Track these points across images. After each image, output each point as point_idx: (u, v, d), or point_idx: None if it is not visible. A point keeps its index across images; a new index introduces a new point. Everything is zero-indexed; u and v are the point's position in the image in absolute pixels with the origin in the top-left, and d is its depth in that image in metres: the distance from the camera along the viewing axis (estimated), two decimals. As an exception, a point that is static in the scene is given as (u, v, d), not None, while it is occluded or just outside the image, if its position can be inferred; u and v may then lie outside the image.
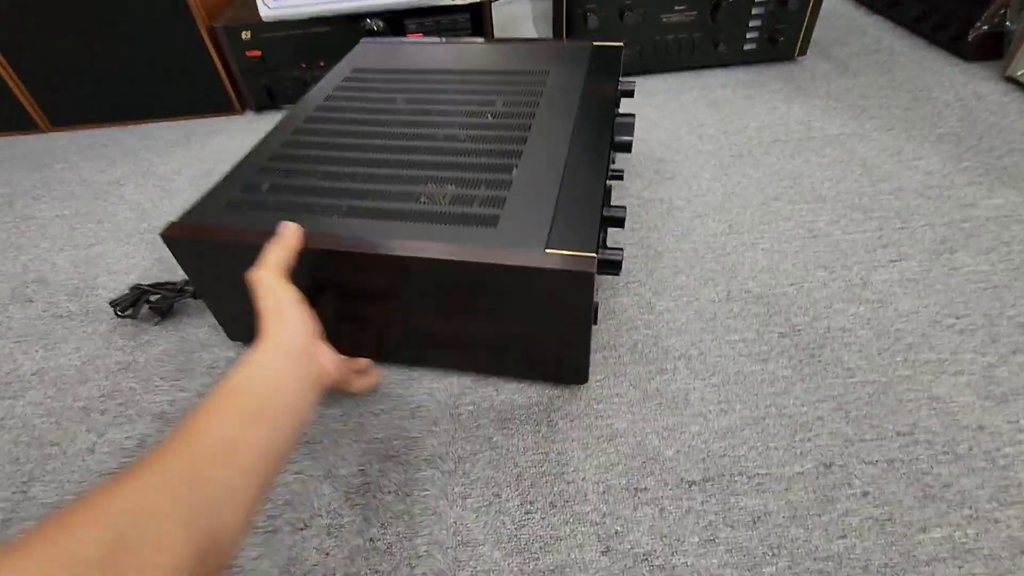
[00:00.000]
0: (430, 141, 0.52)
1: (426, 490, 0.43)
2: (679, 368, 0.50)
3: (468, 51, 0.70)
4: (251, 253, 0.41)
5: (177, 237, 0.44)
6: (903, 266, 0.57)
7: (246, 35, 0.86)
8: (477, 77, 0.63)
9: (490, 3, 0.86)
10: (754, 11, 0.87)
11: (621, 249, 0.43)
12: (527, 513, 0.41)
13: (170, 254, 0.46)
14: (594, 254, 0.39)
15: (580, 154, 0.49)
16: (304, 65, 0.90)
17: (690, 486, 0.42)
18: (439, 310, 0.45)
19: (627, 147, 0.57)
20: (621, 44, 0.67)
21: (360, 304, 0.46)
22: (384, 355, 0.52)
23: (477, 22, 0.87)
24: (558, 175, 0.47)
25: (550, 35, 0.94)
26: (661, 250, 0.62)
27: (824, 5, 0.89)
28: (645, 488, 0.42)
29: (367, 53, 0.71)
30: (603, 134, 0.52)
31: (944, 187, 0.66)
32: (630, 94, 0.63)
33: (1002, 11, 0.82)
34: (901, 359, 0.49)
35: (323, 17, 0.86)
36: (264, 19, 0.85)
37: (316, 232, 0.42)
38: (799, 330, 0.52)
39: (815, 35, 0.93)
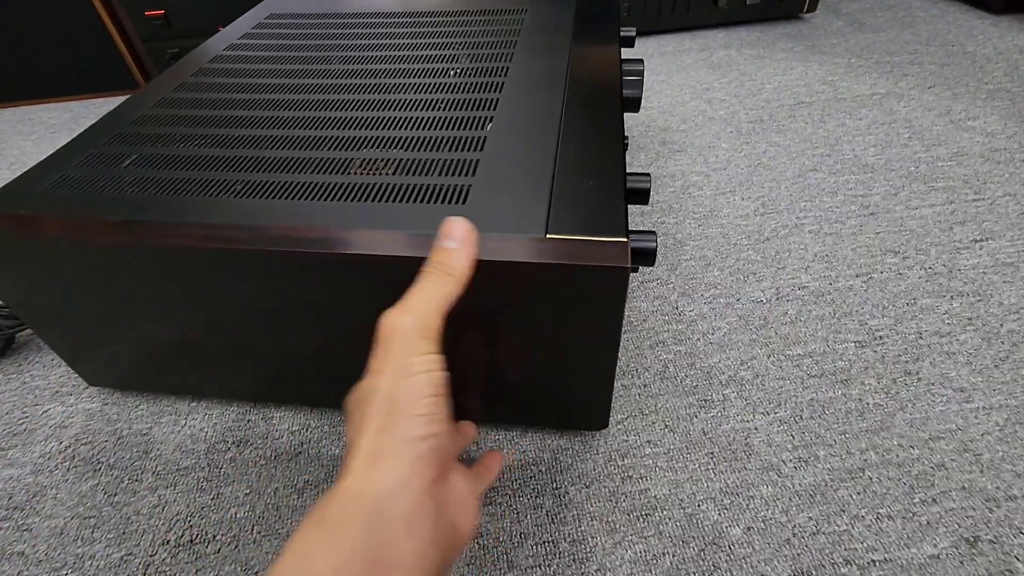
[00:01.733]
0: (370, 94, 0.37)
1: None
2: (730, 399, 0.36)
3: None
4: (94, 255, 0.25)
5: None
6: (992, 247, 0.45)
7: (146, -12, 0.68)
8: (432, 19, 0.48)
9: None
10: (759, -44, 0.75)
11: (653, 232, 0.28)
12: (532, 650, 0.26)
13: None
14: (624, 238, 0.24)
15: (580, 106, 0.34)
16: (221, 27, 0.73)
17: (777, 588, 0.28)
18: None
19: (635, 105, 0.43)
20: (616, -21, 0.53)
21: (261, 325, 0.30)
22: (307, 395, 0.36)
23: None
24: (553, 131, 0.32)
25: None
26: (682, 238, 0.48)
27: (833, -47, 0.77)
28: (710, 595, 0.28)
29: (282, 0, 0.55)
30: (611, 77, 0.37)
31: (1013, 150, 0.54)
32: (630, 43, 0.48)
33: (1040, -48, 0.71)
34: (1028, 372, 0.36)
35: (240, -35, 0.69)
36: (164, -32, 0.68)
37: (191, 222, 0.27)
38: (881, 337, 0.39)
39: (823, -10, 0.81)
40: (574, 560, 0.29)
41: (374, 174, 0.29)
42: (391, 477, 0.18)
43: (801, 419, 0.34)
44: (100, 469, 0.35)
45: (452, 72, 0.39)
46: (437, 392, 0.19)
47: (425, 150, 0.31)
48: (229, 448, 0.35)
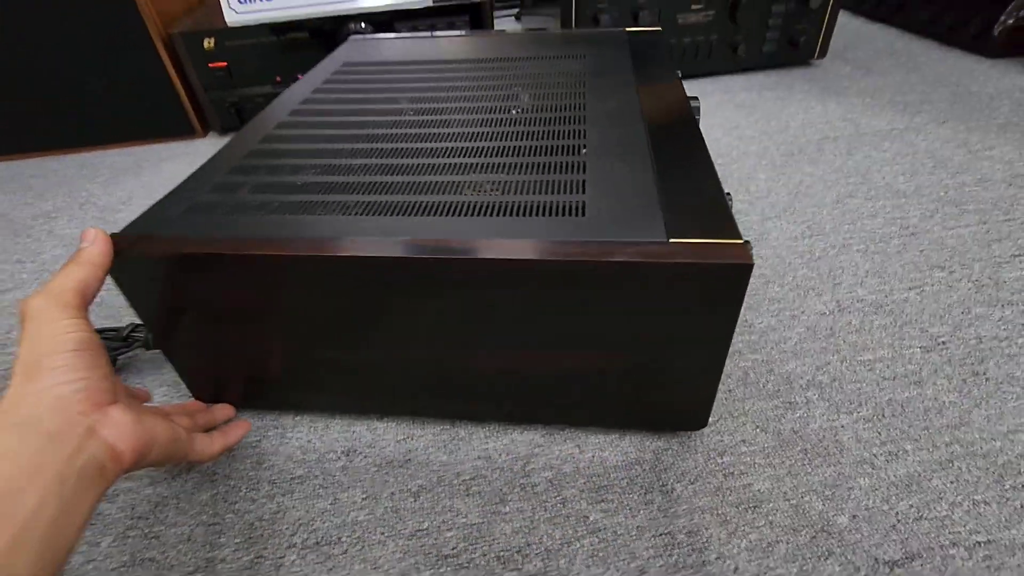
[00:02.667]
0: (458, 128, 0.41)
1: (508, 608, 0.29)
2: (812, 400, 0.38)
3: (482, 42, 0.60)
4: (227, 269, 0.28)
5: (119, 253, 0.30)
6: (1031, 260, 0.48)
7: (209, 43, 0.74)
8: (501, 64, 0.52)
9: (491, 3, 0.77)
10: (774, 9, 0.82)
11: (748, 241, 0.31)
12: (668, 634, 0.27)
13: (113, 294, 0.32)
14: (742, 240, 0.27)
15: (663, 132, 0.38)
16: (279, 79, 0.78)
17: (892, 569, 0.29)
18: (506, 338, 0.31)
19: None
20: (659, 28, 0.58)
21: (385, 336, 0.33)
22: (411, 406, 0.38)
23: (477, 26, 0.78)
24: (644, 154, 0.35)
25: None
26: (738, 258, 0.51)
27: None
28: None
29: (358, 49, 0.60)
30: (684, 108, 0.41)
31: (1032, 175, 0.59)
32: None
33: (1028, 3, 0.78)
34: (1088, 370, 0.38)
35: (300, 22, 0.75)
36: (230, 25, 0.74)
37: (315, 238, 0.29)
38: (944, 343, 0.41)
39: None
40: (692, 550, 0.31)
41: (485, 194, 0.33)
42: (43, 406, 0.24)
43: (883, 417, 0.37)
44: (216, 480, 0.36)
45: (532, 109, 0.43)
46: (78, 348, 0.25)
47: (530, 173, 0.34)
48: (339, 457, 0.37)
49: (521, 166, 0.35)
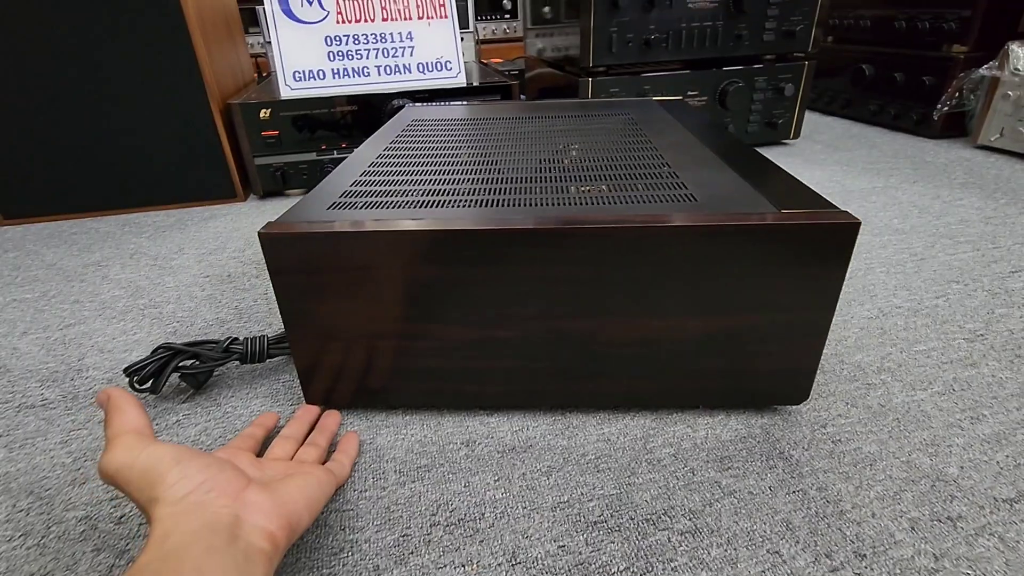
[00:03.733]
0: (544, 159, 0.46)
1: (672, 560, 0.29)
2: (888, 382, 0.42)
3: (531, 106, 0.68)
4: (383, 247, 0.31)
5: (280, 235, 0.33)
6: (1027, 275, 0.55)
7: (265, 114, 0.80)
8: (558, 118, 0.60)
9: (519, 86, 0.87)
10: (755, 97, 0.96)
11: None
12: (832, 571, 0.28)
13: (185, 326, 0.34)
14: (841, 210, 0.33)
15: (731, 153, 0.45)
16: (325, 147, 0.84)
17: (1012, 504, 0.32)
18: (630, 309, 0.35)
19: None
20: (680, 98, 0.68)
21: (509, 319, 0.35)
22: (525, 395, 0.39)
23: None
24: (723, 167, 0.41)
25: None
26: (780, 280, 0.57)
27: (805, 97, 1.00)
28: (961, 516, 0.31)
29: (418, 113, 0.67)
30: (733, 138, 0.49)
31: (1001, 217, 0.69)
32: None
33: (958, 94, 0.95)
34: (1109, 349, 0.44)
35: (348, 97, 0.82)
36: (284, 98, 0.81)
37: (450, 218, 0.33)
38: (982, 336, 0.47)
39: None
40: (827, 502, 0.32)
41: (595, 194, 0.37)
42: (206, 518, 0.24)
43: (954, 391, 0.40)
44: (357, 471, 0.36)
45: (597, 148, 0.50)
46: (179, 459, 0.25)
47: (629, 180, 0.40)
48: (460, 448, 0.37)
49: (618, 177, 0.40)
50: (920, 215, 0.70)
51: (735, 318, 0.35)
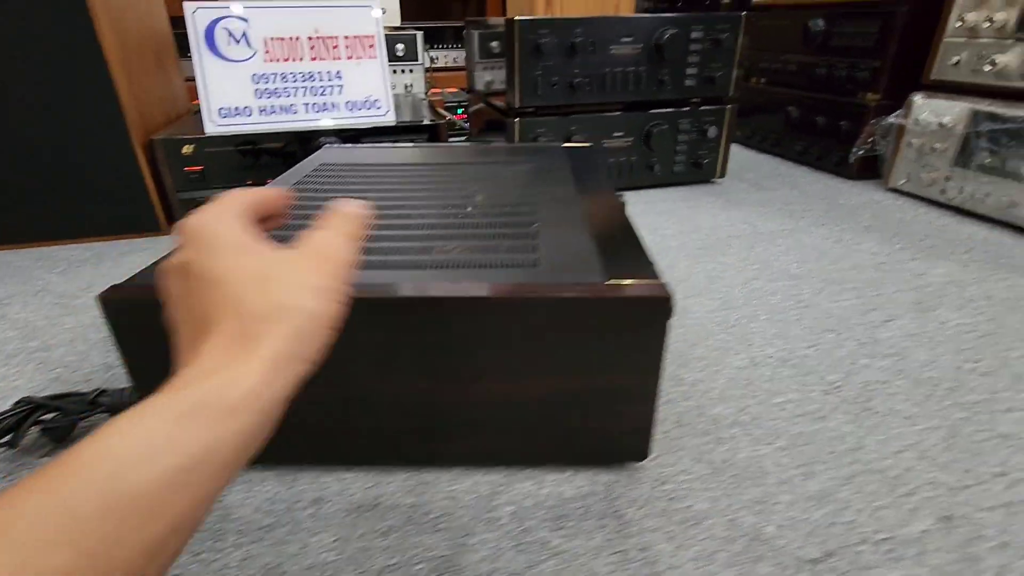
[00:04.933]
0: (426, 210, 0.48)
1: (479, 626, 0.30)
2: (738, 436, 0.43)
3: (439, 150, 0.70)
4: None
5: (121, 300, 0.33)
6: (899, 324, 0.58)
7: (188, 149, 0.80)
8: (460, 166, 0.62)
9: (445, 125, 0.89)
10: (680, 138, 0.99)
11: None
12: (629, 636, 0.30)
13: (70, 371, 0.34)
14: (662, 281, 0.34)
15: (597, 211, 0.47)
16: (251, 182, 0.85)
17: (815, 565, 0.33)
18: (468, 373, 0.36)
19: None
20: (590, 144, 0.71)
21: (361, 378, 0.36)
22: (376, 455, 0.40)
23: (435, 142, 0.90)
24: (583, 228, 0.43)
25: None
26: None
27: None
28: (764, 577, 0.33)
29: (332, 153, 0.69)
30: (612, 195, 0.51)
31: (893, 263, 0.72)
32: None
33: (871, 139, 0.99)
34: (950, 403, 0.46)
35: (274, 134, 0.84)
36: (208, 134, 0.81)
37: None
38: (839, 387, 0.49)
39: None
40: (645, 563, 0.33)
41: (453, 254, 0.39)
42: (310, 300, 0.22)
43: (796, 446, 0.42)
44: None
45: (489, 201, 0.51)
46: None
47: (491, 240, 0.41)
48: (308, 506, 0.38)
49: (485, 236, 0.42)
50: (818, 259, 0.73)
51: (572, 380, 0.36)
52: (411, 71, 1.41)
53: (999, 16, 0.78)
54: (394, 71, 1.39)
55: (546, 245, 0.40)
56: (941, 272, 0.69)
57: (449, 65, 2.03)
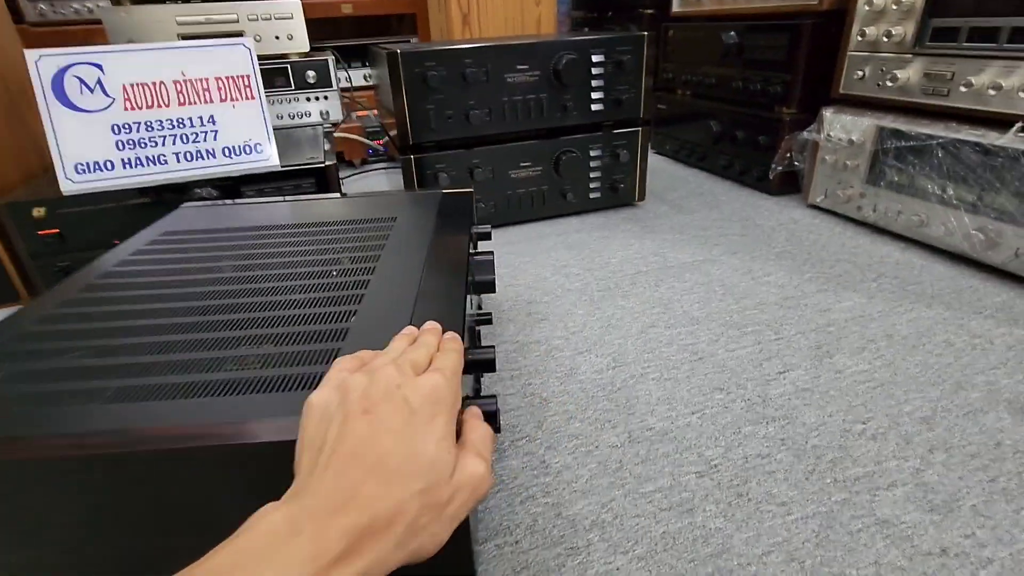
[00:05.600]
0: (252, 297, 0.42)
1: None
2: (593, 543, 0.39)
3: (306, 207, 0.64)
4: None
5: None
6: (793, 376, 0.54)
7: (39, 213, 0.73)
8: (315, 230, 0.56)
9: (336, 167, 0.83)
10: (592, 164, 0.95)
11: (492, 347, 0.34)
12: None
13: None
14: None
15: (431, 297, 0.42)
16: (117, 241, 0.77)
17: None
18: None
19: (490, 287, 0.52)
20: (470, 191, 0.66)
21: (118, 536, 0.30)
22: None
23: (323, 187, 0.84)
24: (405, 321, 0.38)
25: (404, 196, 0.92)
26: (547, 396, 0.54)
27: (649, 162, 1.00)
28: None
29: (185, 216, 0.62)
30: (457, 273, 0.46)
31: (798, 297, 0.68)
32: (487, 236, 0.59)
33: (788, 154, 0.97)
34: (831, 480, 0.42)
35: (143, 188, 0.77)
36: (65, 193, 0.74)
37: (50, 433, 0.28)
38: (716, 465, 0.44)
39: (649, 185, 1.03)
40: None
41: (245, 369, 0.33)
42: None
43: (656, 553, 0.38)
44: None
45: (330, 268, 0.46)
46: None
47: (293, 344, 0.36)
48: None
49: (296, 337, 0.36)
50: (723, 297, 0.69)
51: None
52: (325, 97, 1.34)
53: (897, 30, 0.76)
54: (307, 99, 1.32)
55: (352, 345, 0.35)
56: (846, 306, 0.66)
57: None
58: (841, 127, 0.86)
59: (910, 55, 0.75)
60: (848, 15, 0.84)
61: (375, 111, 1.65)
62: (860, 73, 0.83)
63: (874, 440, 0.46)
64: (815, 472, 0.43)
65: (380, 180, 1.31)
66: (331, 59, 1.33)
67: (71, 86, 0.74)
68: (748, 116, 1.05)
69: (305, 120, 1.32)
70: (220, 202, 0.68)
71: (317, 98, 1.34)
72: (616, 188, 0.98)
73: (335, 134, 1.37)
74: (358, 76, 1.83)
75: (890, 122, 0.79)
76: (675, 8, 1.23)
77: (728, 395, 0.52)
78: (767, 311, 0.66)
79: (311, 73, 1.30)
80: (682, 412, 0.51)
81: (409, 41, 1.95)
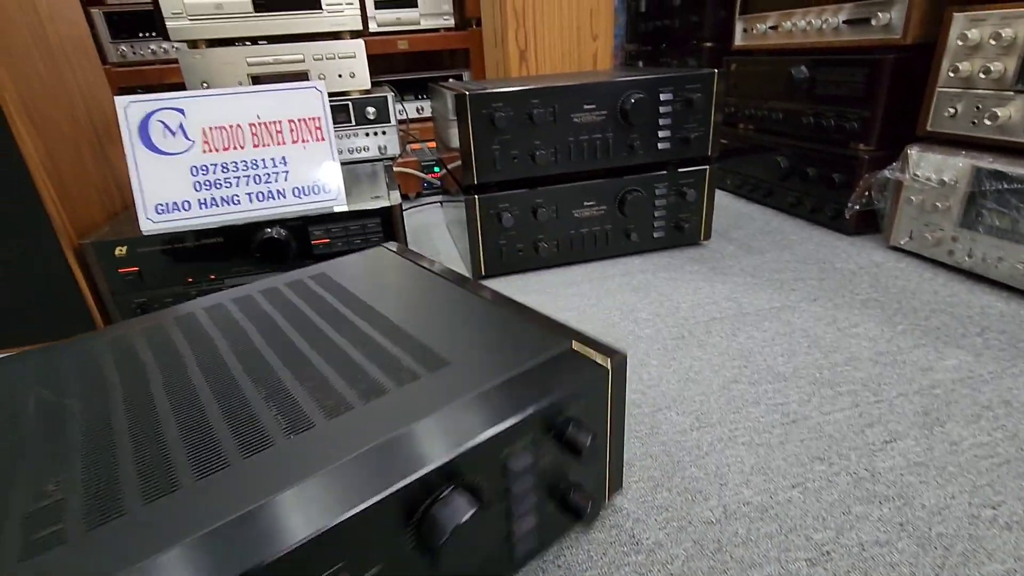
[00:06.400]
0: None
1: None
2: (699, 640, 0.35)
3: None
4: None
5: None
6: (902, 447, 0.49)
7: (121, 251, 0.75)
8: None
9: (400, 207, 0.84)
10: (657, 202, 0.92)
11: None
12: None
13: None
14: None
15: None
16: (190, 279, 0.79)
17: None
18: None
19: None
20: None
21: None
22: None
23: (388, 227, 0.84)
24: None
25: (465, 238, 0.92)
26: (629, 458, 0.51)
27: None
28: None
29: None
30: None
31: (894, 352, 0.63)
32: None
33: (867, 193, 0.92)
34: (966, 579, 0.38)
35: (215, 229, 0.78)
36: (145, 233, 0.76)
37: None
38: (828, 552, 0.40)
39: (712, 222, 0.99)
40: None
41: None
42: None
43: (772, 658, 0.34)
44: None
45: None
46: None
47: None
48: None
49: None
50: (809, 350, 0.65)
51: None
52: (383, 132, 1.37)
53: (996, 66, 0.71)
54: (366, 134, 1.35)
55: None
56: (951, 365, 0.60)
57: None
58: (929, 166, 0.81)
59: (1011, 92, 0.70)
60: (937, 49, 0.79)
61: (429, 144, 1.67)
62: (951, 110, 0.78)
63: (1009, 530, 0.41)
64: (945, 568, 0.39)
65: (436, 215, 1.31)
66: (390, 95, 1.36)
67: (155, 130, 0.77)
68: (820, 152, 1.00)
69: (363, 155, 1.35)
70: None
71: (375, 133, 1.37)
72: (681, 227, 0.95)
73: (395, 168, 1.39)
74: (411, 108, 1.87)
75: (989, 162, 0.74)
76: (737, 42, 1.21)
77: (831, 466, 0.48)
78: (861, 368, 0.61)
79: (371, 109, 1.34)
80: (781, 485, 0.46)
81: (461, 75, 1.99)
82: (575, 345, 0.41)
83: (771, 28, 1.10)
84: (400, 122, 1.40)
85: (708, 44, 1.33)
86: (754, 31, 1.15)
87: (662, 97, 0.85)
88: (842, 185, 0.96)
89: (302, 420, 0.34)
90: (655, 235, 0.95)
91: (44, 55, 0.77)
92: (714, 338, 0.69)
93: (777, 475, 0.47)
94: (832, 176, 0.98)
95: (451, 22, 1.79)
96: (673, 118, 0.87)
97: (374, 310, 0.48)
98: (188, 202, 0.79)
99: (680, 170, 0.92)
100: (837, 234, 0.99)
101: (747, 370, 0.62)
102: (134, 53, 1.60)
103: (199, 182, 0.79)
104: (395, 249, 0.65)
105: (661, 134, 0.88)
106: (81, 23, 0.92)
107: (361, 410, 0.35)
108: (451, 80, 1.80)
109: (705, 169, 0.92)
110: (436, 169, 1.44)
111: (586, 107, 0.83)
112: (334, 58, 1.25)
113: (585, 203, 0.89)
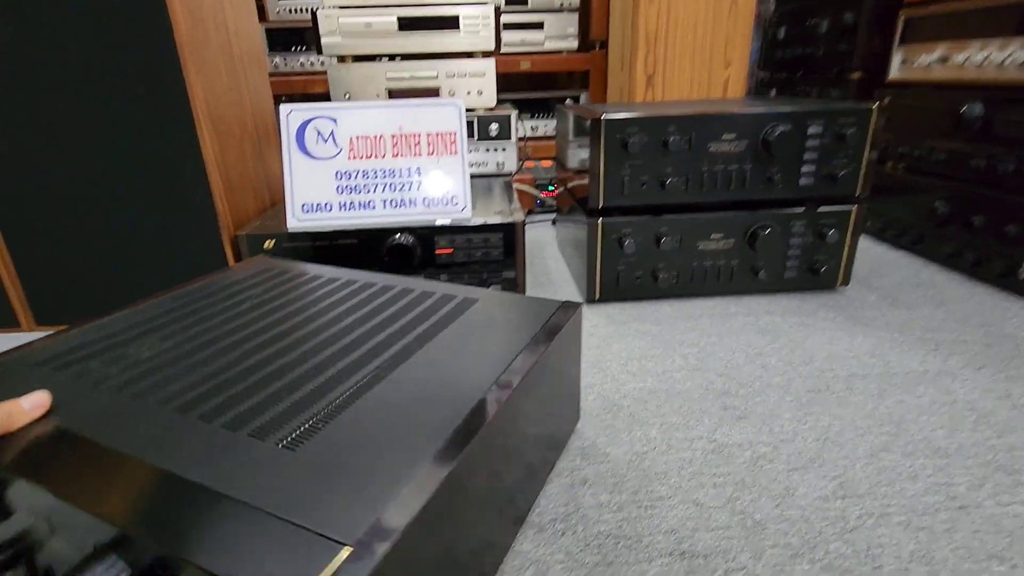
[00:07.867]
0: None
1: None
2: None
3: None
4: None
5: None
6: (1110, 561, 0.41)
7: (269, 244, 0.82)
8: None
9: (523, 224, 0.84)
10: (792, 241, 0.86)
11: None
12: None
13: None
14: None
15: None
16: (323, 275, 0.85)
17: None
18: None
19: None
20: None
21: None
22: None
23: (510, 242, 0.85)
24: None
25: (581, 260, 0.91)
26: (761, 519, 0.46)
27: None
28: None
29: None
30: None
31: (1091, 443, 0.54)
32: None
33: (1051, 251, 0.80)
34: None
35: (351, 231, 0.83)
36: (290, 230, 0.83)
37: None
38: (1017, 675, 0.34)
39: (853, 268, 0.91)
40: None
41: None
42: None
43: None
44: None
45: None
46: None
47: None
48: None
49: None
50: (976, 426, 0.57)
51: None
52: (503, 149, 1.40)
53: None
54: (487, 150, 1.39)
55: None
56: None
57: (549, 134, 2.03)
58: None
59: None
60: None
61: (543, 162, 1.69)
62: None
63: None
64: None
65: (547, 233, 1.32)
66: (514, 113, 1.39)
67: (310, 136, 0.84)
68: (990, 199, 0.89)
69: (481, 169, 1.39)
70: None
71: (496, 149, 1.40)
72: (816, 269, 0.87)
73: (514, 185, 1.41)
74: (526, 127, 1.91)
75: None
76: (894, 74, 1.11)
77: (1013, 569, 0.41)
78: (1047, 456, 0.52)
79: (494, 126, 1.37)
80: (949, 581, 0.40)
81: (578, 97, 2.01)
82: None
83: (938, 61, 1.00)
84: (518, 139, 1.42)
85: (856, 75, 1.23)
86: (915, 63, 1.05)
87: (810, 131, 0.80)
88: (1016, 239, 0.84)
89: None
90: (786, 275, 0.88)
91: (228, 67, 0.87)
92: (856, 396, 0.63)
93: (945, 570, 0.41)
94: (1004, 228, 0.86)
95: (574, 44, 1.81)
96: (820, 152, 0.81)
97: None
98: (330, 204, 0.84)
99: (821, 209, 0.85)
100: (1006, 293, 0.87)
101: (899, 440, 0.55)
102: (286, 64, 1.77)
103: (342, 186, 0.85)
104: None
105: (804, 169, 0.82)
106: (256, 37, 1.03)
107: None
108: (568, 101, 1.81)
109: (851, 209, 0.85)
110: (550, 188, 1.44)
111: (725, 136, 0.80)
112: (465, 76, 1.30)
113: (712, 235, 0.85)
